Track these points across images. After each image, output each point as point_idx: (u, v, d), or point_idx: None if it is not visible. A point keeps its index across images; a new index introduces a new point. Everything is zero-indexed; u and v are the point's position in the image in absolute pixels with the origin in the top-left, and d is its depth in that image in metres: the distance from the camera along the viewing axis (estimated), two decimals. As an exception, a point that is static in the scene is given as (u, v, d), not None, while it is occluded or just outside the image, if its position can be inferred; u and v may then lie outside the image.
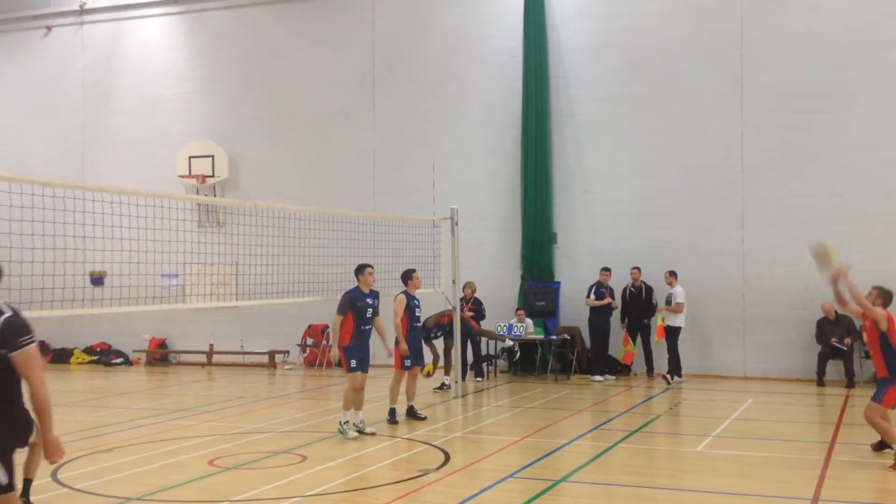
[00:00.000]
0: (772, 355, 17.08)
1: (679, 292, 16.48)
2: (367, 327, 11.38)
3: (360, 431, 11.28)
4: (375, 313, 11.45)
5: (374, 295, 11.49)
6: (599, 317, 17.14)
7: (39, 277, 9.33)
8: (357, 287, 11.41)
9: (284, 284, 13.37)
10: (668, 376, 16.26)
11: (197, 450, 10.51)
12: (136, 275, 11.88)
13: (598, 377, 16.92)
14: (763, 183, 17.21)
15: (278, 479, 8.85)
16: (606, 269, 17.22)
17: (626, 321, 17.33)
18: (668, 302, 16.50)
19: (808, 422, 13.09)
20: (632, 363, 17.42)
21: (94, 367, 21.30)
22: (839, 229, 16.67)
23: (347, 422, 11.23)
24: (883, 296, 9.80)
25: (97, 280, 19.44)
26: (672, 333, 16.42)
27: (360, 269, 11.51)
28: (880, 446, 9.82)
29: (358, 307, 11.18)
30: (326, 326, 19.98)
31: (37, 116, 22.77)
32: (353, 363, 11.29)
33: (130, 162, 21.51)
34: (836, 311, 16.08)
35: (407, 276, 12.61)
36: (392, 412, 12.23)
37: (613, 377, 17.12)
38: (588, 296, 17.22)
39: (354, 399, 11.33)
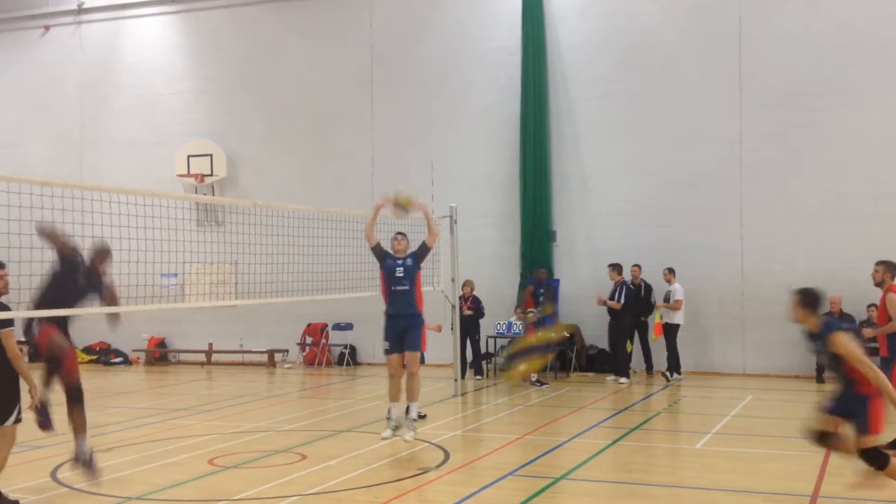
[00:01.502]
0: (771, 352, 17.09)
1: (677, 289, 16.49)
2: (397, 288, 10.36)
3: (396, 429, 10.22)
4: (407, 273, 10.37)
5: (414, 256, 10.52)
6: (612, 317, 16.94)
7: (38, 277, 9.30)
8: None
9: (283, 283, 13.36)
10: (668, 373, 16.27)
11: (196, 449, 10.51)
12: (135, 274, 11.84)
13: (623, 379, 16.32)
14: (762, 181, 17.22)
15: (278, 477, 8.85)
16: (612, 266, 16.90)
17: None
18: (667, 299, 16.52)
19: (807, 418, 13.07)
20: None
21: (94, 366, 21.28)
22: (838, 228, 16.72)
23: (389, 418, 10.29)
24: (890, 269, 9.79)
25: (96, 280, 19.40)
26: (671, 331, 16.44)
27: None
28: (892, 445, 9.76)
29: (386, 264, 10.48)
30: (325, 325, 20.00)
31: (35, 116, 22.76)
32: (386, 345, 10.30)
33: (129, 161, 21.51)
34: (841, 308, 16.11)
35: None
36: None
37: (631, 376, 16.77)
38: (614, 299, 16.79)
39: (390, 387, 10.29)
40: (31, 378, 7.71)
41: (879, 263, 9.90)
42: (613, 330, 16.89)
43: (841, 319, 15.89)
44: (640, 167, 18.02)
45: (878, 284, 9.90)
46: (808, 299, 7.45)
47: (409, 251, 10.63)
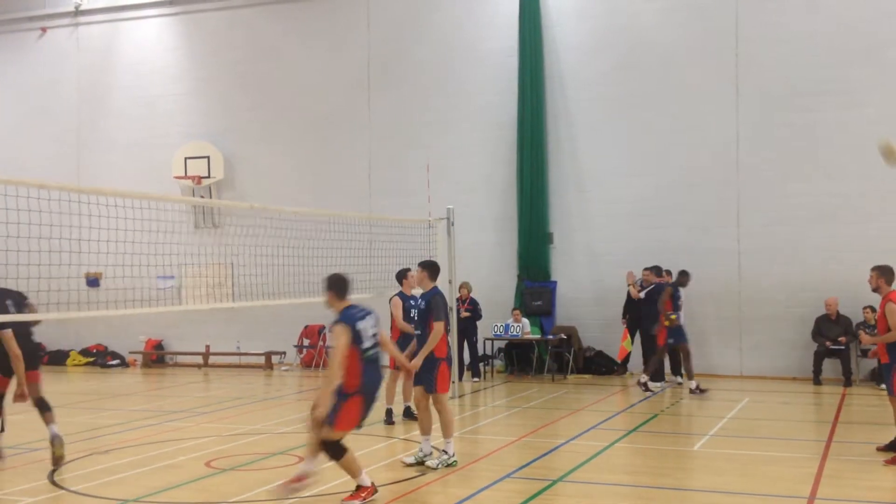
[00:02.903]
0: (768, 354, 17.09)
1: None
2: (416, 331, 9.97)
3: (422, 461, 9.52)
4: (421, 317, 9.78)
5: (427, 302, 9.71)
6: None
7: (35, 280, 9.32)
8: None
9: (281, 285, 13.35)
10: (677, 377, 16.24)
11: (194, 451, 10.50)
12: (132, 276, 11.83)
13: (658, 383, 15.81)
14: (759, 182, 17.23)
15: (275, 480, 8.81)
16: (648, 269, 16.37)
17: (626, 318, 17.23)
18: (666, 301, 16.45)
19: (804, 420, 13.10)
20: (626, 360, 17.42)
21: (91, 368, 21.27)
22: (835, 229, 16.73)
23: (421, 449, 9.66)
24: (884, 274, 9.76)
25: (93, 282, 19.43)
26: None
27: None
28: (890, 447, 9.77)
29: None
30: (323, 327, 19.96)
31: (32, 118, 22.73)
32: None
33: (126, 163, 21.49)
34: (837, 310, 16.12)
35: (401, 275, 12.28)
36: (388, 413, 12.20)
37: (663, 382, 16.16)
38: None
39: (419, 419, 9.86)
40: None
41: (874, 269, 9.89)
42: (647, 332, 16.17)
43: (834, 322, 15.94)
44: (638, 168, 18.02)
45: (875, 290, 9.89)
46: (336, 284, 8.08)
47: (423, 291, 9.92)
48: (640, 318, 16.43)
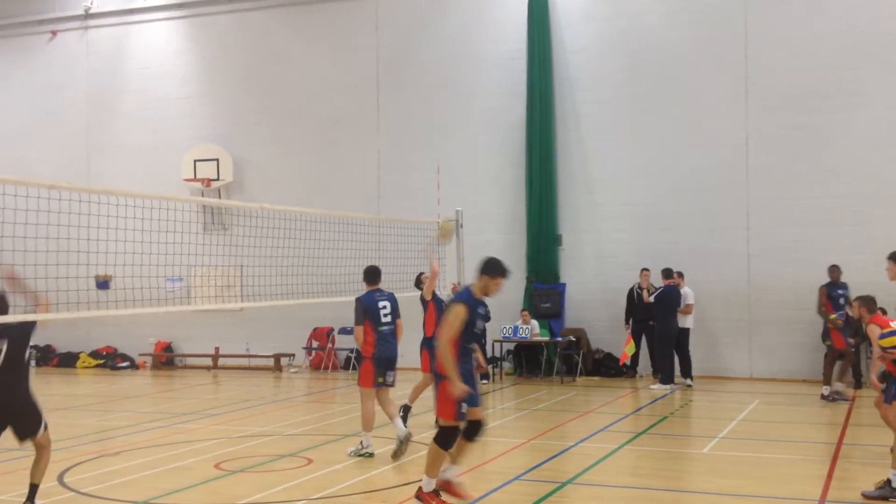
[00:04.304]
0: (778, 356, 17.03)
1: (688, 293, 16.44)
2: None
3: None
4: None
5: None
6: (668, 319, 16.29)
7: (44, 281, 9.32)
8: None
9: (289, 287, 13.35)
10: (686, 379, 16.19)
11: (203, 453, 10.51)
12: (141, 277, 11.86)
13: (665, 386, 15.89)
14: (768, 184, 17.18)
15: (284, 482, 8.84)
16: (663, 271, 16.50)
17: (629, 322, 17.22)
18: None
19: (814, 423, 13.04)
20: (628, 363, 17.33)
21: (100, 370, 21.32)
22: (843, 230, 16.67)
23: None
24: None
25: (102, 284, 19.45)
26: (682, 335, 16.34)
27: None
28: None
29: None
30: (332, 329, 19.99)
31: (42, 121, 22.81)
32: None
33: (135, 166, 21.53)
34: (846, 312, 16.04)
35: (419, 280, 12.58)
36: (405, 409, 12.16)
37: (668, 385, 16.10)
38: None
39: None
40: None
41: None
42: (660, 334, 16.33)
43: (844, 324, 15.84)
44: (646, 170, 17.99)
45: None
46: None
47: None
48: (654, 320, 16.45)
